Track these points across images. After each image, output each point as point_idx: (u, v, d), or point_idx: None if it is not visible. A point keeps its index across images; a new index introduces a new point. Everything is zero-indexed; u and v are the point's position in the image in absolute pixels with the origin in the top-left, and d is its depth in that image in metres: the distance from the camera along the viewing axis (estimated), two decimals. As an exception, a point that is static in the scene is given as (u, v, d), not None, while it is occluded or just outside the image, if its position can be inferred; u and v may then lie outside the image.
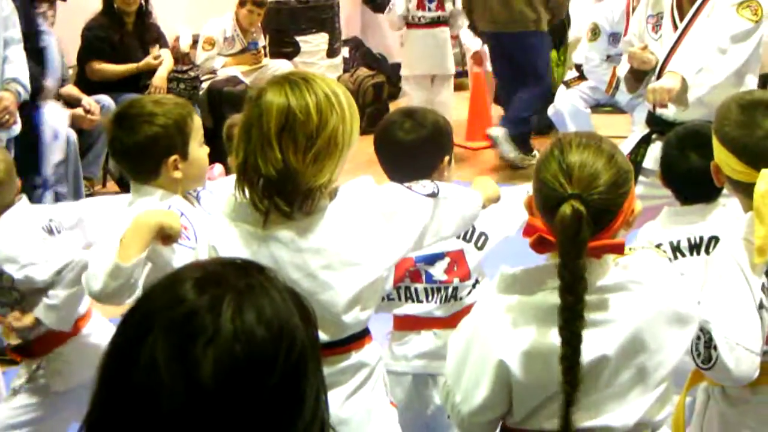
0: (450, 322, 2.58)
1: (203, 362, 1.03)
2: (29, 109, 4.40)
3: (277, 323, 1.07)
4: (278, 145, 1.96)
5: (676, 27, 3.60)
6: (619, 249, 1.84)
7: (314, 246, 2.03)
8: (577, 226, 1.74)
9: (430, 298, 2.64)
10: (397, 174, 2.48)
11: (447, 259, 2.62)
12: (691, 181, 2.60)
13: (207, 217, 2.41)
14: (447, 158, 2.64)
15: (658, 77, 3.58)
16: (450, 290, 2.62)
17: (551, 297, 1.78)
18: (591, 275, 1.76)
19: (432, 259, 2.62)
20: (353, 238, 2.06)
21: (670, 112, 3.54)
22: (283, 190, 1.98)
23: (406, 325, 2.68)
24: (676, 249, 2.63)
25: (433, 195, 2.18)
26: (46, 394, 2.79)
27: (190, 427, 1.03)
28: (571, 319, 1.74)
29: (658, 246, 2.60)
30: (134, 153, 2.44)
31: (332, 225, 2.05)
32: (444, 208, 2.20)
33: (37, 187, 4.56)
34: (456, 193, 2.29)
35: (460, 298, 2.63)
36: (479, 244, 2.63)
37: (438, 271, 2.63)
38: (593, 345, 1.78)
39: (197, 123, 2.50)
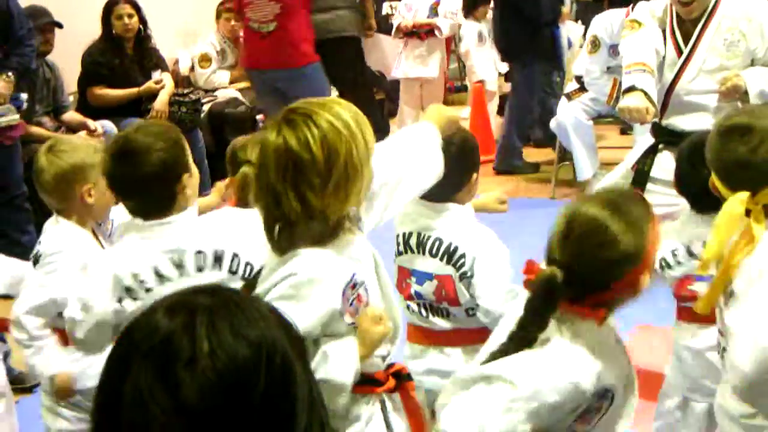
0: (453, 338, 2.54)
1: (186, 384, 1.03)
2: None
3: (253, 334, 1.07)
4: (292, 189, 1.89)
5: (680, 51, 3.56)
6: None
7: None
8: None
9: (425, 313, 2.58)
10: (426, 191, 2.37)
11: (435, 282, 2.55)
12: (706, 193, 2.58)
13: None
14: (475, 175, 2.59)
15: (664, 102, 3.58)
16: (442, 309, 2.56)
17: None
18: None
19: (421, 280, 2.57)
20: None
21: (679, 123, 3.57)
22: (310, 230, 1.94)
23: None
24: None
25: None
26: None
27: None
28: None
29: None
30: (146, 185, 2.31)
31: None
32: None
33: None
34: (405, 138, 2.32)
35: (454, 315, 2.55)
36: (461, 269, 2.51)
37: (427, 291, 2.56)
38: None
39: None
